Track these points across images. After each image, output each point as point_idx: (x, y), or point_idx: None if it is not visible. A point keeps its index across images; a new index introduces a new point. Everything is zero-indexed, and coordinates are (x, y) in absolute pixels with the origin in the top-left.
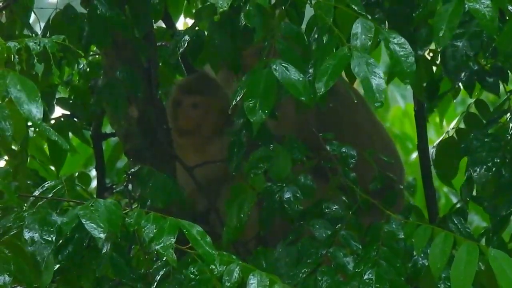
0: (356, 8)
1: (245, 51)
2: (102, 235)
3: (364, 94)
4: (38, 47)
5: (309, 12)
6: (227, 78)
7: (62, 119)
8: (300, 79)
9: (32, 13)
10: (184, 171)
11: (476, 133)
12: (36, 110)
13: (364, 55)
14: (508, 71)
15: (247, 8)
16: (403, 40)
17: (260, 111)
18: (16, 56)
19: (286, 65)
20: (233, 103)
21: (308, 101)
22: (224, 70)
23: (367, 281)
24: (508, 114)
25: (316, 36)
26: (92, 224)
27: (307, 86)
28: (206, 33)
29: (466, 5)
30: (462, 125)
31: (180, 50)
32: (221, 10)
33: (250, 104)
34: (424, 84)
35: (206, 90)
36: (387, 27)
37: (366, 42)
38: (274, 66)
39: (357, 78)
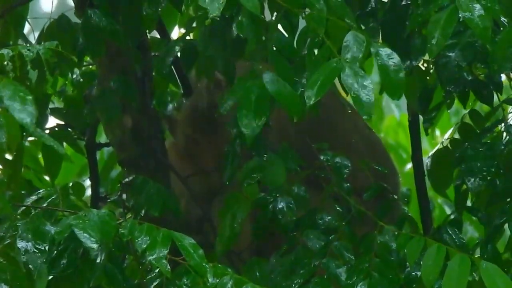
0: (348, 21)
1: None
2: (94, 245)
3: (354, 106)
4: (32, 54)
5: (301, 23)
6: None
7: (56, 129)
8: (290, 90)
9: (26, 23)
10: (177, 181)
11: (470, 143)
12: (29, 117)
13: (354, 67)
14: (502, 81)
15: (239, 19)
16: (394, 54)
17: (253, 123)
18: (10, 63)
19: (277, 77)
20: (221, 111)
21: (298, 113)
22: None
23: None
24: (502, 124)
25: (307, 47)
26: (85, 234)
27: (297, 98)
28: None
29: (460, 14)
30: (457, 136)
31: (171, 60)
32: (212, 15)
33: (244, 116)
34: (418, 94)
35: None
36: (381, 37)
37: (357, 55)
38: (266, 78)
39: (347, 90)
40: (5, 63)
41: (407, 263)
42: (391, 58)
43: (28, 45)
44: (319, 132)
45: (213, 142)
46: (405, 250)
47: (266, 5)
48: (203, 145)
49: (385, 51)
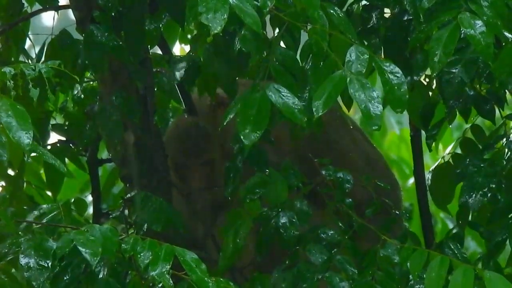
0: (350, 37)
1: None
2: (96, 261)
3: (361, 117)
4: (34, 72)
5: (304, 37)
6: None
7: (58, 145)
8: (296, 103)
9: (28, 38)
10: (178, 198)
11: (472, 158)
12: (25, 137)
13: (361, 78)
14: (503, 98)
15: (242, 33)
16: (396, 69)
17: (252, 134)
18: (12, 82)
19: (280, 89)
20: (224, 123)
21: (303, 125)
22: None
23: None
24: (504, 140)
25: (311, 61)
26: (87, 250)
27: (302, 110)
28: (201, 59)
29: (462, 31)
30: (458, 151)
31: (178, 77)
32: (214, 32)
33: (243, 127)
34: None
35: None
36: (383, 53)
37: (360, 69)
38: (269, 91)
39: (355, 101)
40: (7, 81)
41: (410, 276)
42: (394, 72)
43: (29, 61)
44: (317, 149)
45: (200, 164)
46: (408, 263)
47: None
48: (190, 168)
49: (388, 65)
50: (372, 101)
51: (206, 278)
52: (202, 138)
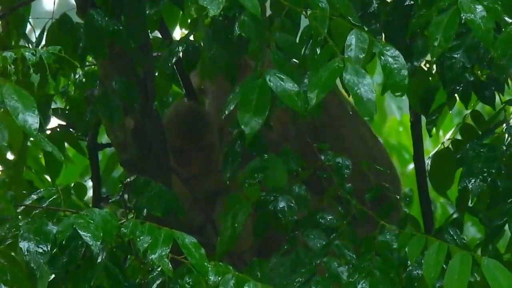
0: (351, 19)
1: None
2: (96, 244)
3: (355, 106)
4: (34, 58)
5: (304, 22)
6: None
7: (58, 129)
8: (295, 89)
9: (28, 23)
10: (177, 184)
11: (471, 144)
12: (32, 120)
13: (356, 67)
14: (504, 82)
15: (242, 18)
16: (397, 53)
17: (253, 121)
18: (12, 66)
19: (281, 76)
20: (226, 113)
21: (302, 111)
22: (221, 79)
23: None
24: (504, 125)
25: (310, 47)
26: (87, 234)
27: (301, 97)
28: (201, 44)
29: (463, 16)
30: (459, 136)
31: (174, 60)
32: (212, 14)
33: (244, 114)
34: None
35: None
36: (383, 38)
37: (360, 54)
38: (269, 77)
39: (348, 90)
40: (8, 66)
41: (408, 262)
42: (395, 57)
43: (30, 45)
44: (319, 137)
45: (198, 149)
46: (406, 249)
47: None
48: (189, 153)
49: (388, 49)
50: (365, 88)
51: (205, 262)
52: (201, 123)
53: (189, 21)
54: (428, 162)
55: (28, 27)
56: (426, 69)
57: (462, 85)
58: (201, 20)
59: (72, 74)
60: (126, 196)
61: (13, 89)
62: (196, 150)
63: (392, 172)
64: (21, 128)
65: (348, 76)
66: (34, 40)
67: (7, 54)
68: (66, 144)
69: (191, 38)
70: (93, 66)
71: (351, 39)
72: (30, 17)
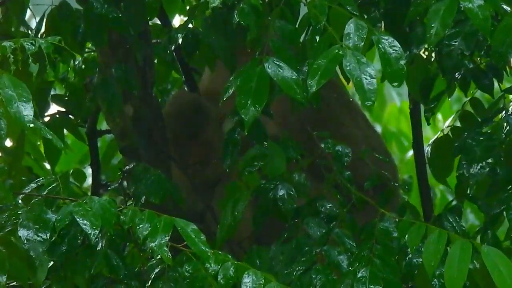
0: (349, 9)
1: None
2: (95, 232)
3: (356, 92)
4: (34, 47)
5: (303, 10)
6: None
7: (57, 116)
8: (294, 77)
9: (28, 9)
10: (176, 173)
11: (470, 131)
12: (26, 112)
13: (356, 53)
14: (503, 70)
15: (241, 6)
16: (395, 42)
17: (252, 108)
18: (12, 56)
19: (280, 63)
20: (223, 98)
21: (301, 99)
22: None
23: (361, 279)
24: (503, 113)
25: (309, 35)
26: (86, 221)
27: (300, 84)
28: (201, 31)
29: (461, 4)
30: (458, 123)
31: (173, 48)
32: (212, 5)
33: (243, 102)
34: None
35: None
36: (382, 26)
37: (358, 42)
38: (267, 64)
39: (349, 77)
40: (7, 55)
41: (408, 250)
42: (393, 46)
43: (29, 32)
44: (318, 126)
45: (199, 143)
46: (406, 236)
47: None
48: (189, 146)
49: (386, 39)
50: (367, 76)
51: (206, 249)
52: (201, 118)
53: (187, 8)
54: (427, 149)
55: (28, 13)
56: (425, 56)
57: (461, 73)
58: (200, 7)
59: (72, 61)
60: (125, 183)
61: (9, 80)
62: (196, 144)
63: (390, 160)
64: (15, 119)
65: (348, 64)
66: (33, 26)
67: (6, 44)
68: (65, 131)
69: (190, 25)
70: (92, 53)
71: (350, 27)
72: (29, 4)
